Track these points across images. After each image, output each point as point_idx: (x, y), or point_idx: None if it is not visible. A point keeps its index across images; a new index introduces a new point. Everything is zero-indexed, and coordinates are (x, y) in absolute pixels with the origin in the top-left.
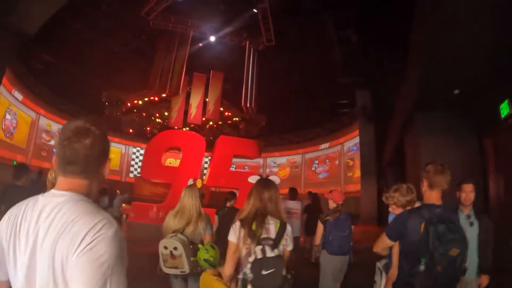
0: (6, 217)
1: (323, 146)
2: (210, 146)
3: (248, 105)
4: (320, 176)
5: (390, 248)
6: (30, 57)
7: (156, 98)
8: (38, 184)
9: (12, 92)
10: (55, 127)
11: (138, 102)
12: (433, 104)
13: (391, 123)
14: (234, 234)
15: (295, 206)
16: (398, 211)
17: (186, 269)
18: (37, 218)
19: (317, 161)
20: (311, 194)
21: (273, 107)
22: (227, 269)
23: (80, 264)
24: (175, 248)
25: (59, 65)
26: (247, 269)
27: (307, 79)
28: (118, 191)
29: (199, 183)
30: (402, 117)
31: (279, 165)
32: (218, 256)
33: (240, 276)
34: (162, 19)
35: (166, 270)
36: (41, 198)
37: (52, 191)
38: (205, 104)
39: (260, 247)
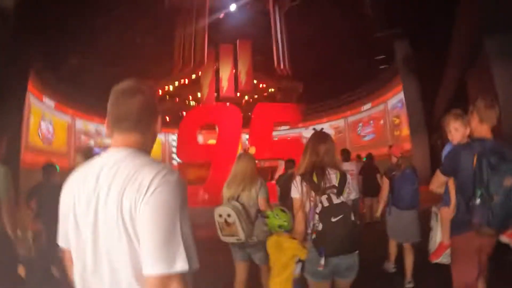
0: (66, 184)
1: (365, 107)
2: (249, 123)
3: (282, 66)
4: (365, 138)
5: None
6: (55, 62)
7: (187, 81)
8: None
9: (44, 100)
10: (92, 127)
11: (169, 88)
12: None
13: (444, 66)
14: (297, 190)
15: (350, 167)
16: (460, 133)
17: (242, 236)
18: (97, 177)
19: (361, 124)
20: (367, 156)
21: (309, 74)
22: (298, 226)
23: (149, 209)
24: (229, 215)
25: (85, 65)
26: (315, 220)
27: (340, 39)
28: None
29: (252, 150)
30: (462, 50)
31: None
32: (291, 219)
33: (309, 230)
34: None
35: (223, 238)
36: (99, 159)
37: (110, 149)
38: (236, 77)
39: (325, 196)
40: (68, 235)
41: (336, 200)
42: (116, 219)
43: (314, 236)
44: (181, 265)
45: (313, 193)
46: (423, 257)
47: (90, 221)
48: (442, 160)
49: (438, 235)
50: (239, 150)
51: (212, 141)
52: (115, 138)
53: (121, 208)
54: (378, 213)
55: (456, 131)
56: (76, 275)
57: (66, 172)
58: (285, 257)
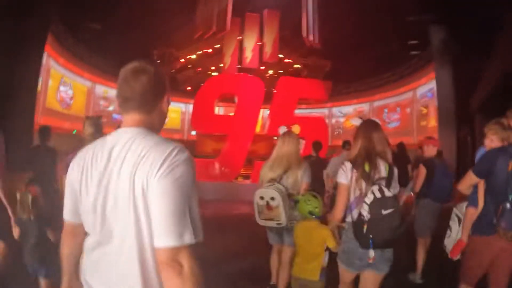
0: (75, 161)
1: (392, 92)
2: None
3: (311, 38)
4: (390, 125)
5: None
6: (76, 27)
7: (210, 50)
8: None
9: (63, 64)
10: (112, 93)
11: (191, 57)
12: None
13: (486, 56)
14: (345, 176)
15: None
16: (494, 144)
17: (283, 221)
18: (109, 156)
19: (386, 110)
20: (398, 145)
21: (337, 54)
22: (338, 212)
23: (162, 185)
24: (272, 198)
25: (106, 30)
26: (363, 210)
27: (373, 19)
28: None
29: (296, 129)
30: None
31: (345, 114)
32: (321, 205)
33: (349, 219)
34: None
35: (260, 222)
36: (109, 138)
37: (119, 129)
38: (261, 49)
39: (377, 186)
40: (76, 209)
41: (387, 193)
42: (127, 196)
43: (364, 227)
44: (188, 238)
45: (363, 182)
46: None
47: (101, 198)
48: (475, 161)
49: (455, 233)
50: (280, 129)
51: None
52: (124, 118)
53: (133, 186)
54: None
55: (492, 142)
56: (86, 247)
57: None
58: (314, 245)
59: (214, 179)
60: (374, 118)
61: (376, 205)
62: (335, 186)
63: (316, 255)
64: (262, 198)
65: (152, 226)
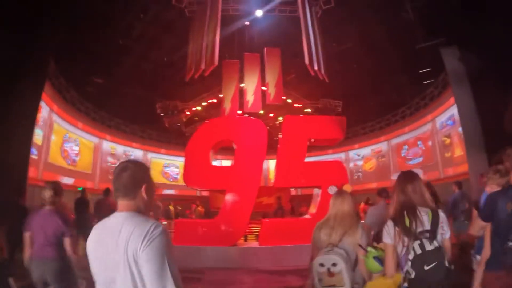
0: (90, 237)
1: (409, 127)
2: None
3: (315, 66)
4: (411, 162)
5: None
6: (80, 82)
7: (215, 100)
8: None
9: (68, 120)
10: (120, 149)
11: (197, 109)
12: None
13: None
14: (388, 235)
15: None
16: (494, 190)
17: (348, 286)
18: (110, 233)
19: (406, 146)
20: (426, 184)
21: (347, 94)
22: (390, 272)
23: (146, 253)
24: (334, 264)
25: (111, 86)
26: (408, 267)
27: (380, 52)
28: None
29: (348, 188)
30: None
31: (363, 157)
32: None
33: (402, 274)
34: (197, 4)
35: None
36: (110, 219)
37: (115, 213)
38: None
39: (417, 242)
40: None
41: (429, 247)
42: (123, 261)
43: (405, 284)
44: (170, 287)
45: (405, 238)
46: None
47: (105, 266)
48: (481, 205)
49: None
50: (330, 189)
51: None
52: (118, 203)
53: (127, 254)
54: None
55: (492, 189)
56: None
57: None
58: None
59: (211, 243)
60: (413, 170)
61: (417, 261)
62: (374, 238)
63: None
64: (322, 265)
65: (143, 283)
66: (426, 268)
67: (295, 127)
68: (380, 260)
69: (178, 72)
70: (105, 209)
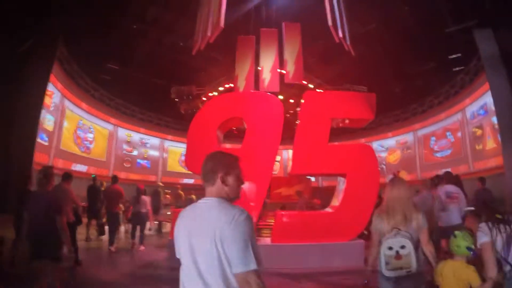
0: (178, 218)
1: (438, 117)
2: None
3: (340, 33)
4: (439, 154)
5: None
6: (96, 69)
7: (232, 85)
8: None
9: (83, 107)
10: (136, 136)
11: (213, 94)
12: None
13: None
14: (488, 235)
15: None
16: None
17: (414, 267)
18: (198, 216)
19: (433, 137)
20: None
21: (371, 80)
22: (493, 271)
23: (232, 235)
24: (403, 247)
25: (126, 72)
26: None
27: (407, 37)
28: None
29: (403, 174)
30: None
31: (387, 148)
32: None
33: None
34: None
35: (387, 273)
36: (197, 204)
37: (204, 198)
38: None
39: None
40: (179, 250)
41: None
42: (210, 241)
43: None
44: (253, 265)
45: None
46: None
47: (193, 246)
48: None
49: None
50: (387, 177)
51: None
52: (206, 190)
53: (214, 234)
54: None
55: None
56: (182, 278)
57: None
58: (460, 285)
59: None
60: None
61: None
62: None
63: None
64: (391, 248)
65: (229, 261)
66: None
67: (316, 104)
68: (472, 249)
69: (194, 57)
70: (112, 196)
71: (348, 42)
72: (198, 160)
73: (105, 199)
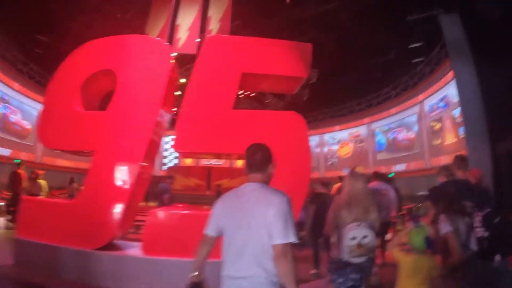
0: (223, 199)
1: (394, 110)
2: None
3: None
4: (393, 149)
5: None
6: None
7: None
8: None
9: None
10: None
11: None
12: None
13: None
14: (451, 225)
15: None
16: None
17: (373, 254)
18: (245, 198)
19: (389, 131)
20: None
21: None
22: (457, 257)
23: (277, 212)
24: (365, 237)
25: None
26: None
27: (365, 24)
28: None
29: (359, 169)
30: None
31: (339, 141)
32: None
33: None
34: None
35: (351, 259)
36: (245, 187)
37: (249, 183)
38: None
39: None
40: (219, 227)
41: None
42: (258, 220)
43: None
44: (292, 238)
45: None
46: None
47: (243, 222)
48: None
49: None
50: (344, 170)
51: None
52: (250, 176)
53: (258, 215)
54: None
55: None
56: (225, 251)
57: None
58: (419, 276)
59: (66, 242)
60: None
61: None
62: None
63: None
64: (353, 238)
65: (271, 234)
66: None
67: (222, 52)
68: (429, 241)
69: (135, 31)
70: (16, 180)
71: None
72: (54, 130)
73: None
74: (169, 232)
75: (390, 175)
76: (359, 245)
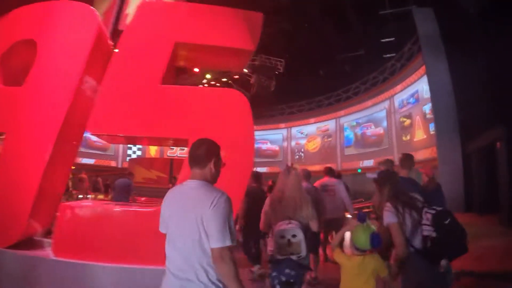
0: (165, 199)
1: (363, 105)
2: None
3: None
4: (361, 144)
5: None
6: None
7: None
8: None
9: None
10: None
11: None
12: None
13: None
14: (396, 216)
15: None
16: None
17: (303, 253)
18: (182, 197)
19: (357, 126)
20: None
21: (295, 61)
22: (402, 249)
23: (212, 214)
24: (294, 236)
25: None
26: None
27: (335, 16)
28: None
29: (297, 165)
30: None
31: (307, 135)
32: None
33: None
34: None
35: (280, 257)
36: (185, 184)
37: (189, 180)
38: None
39: None
40: (165, 226)
41: None
42: (193, 220)
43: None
44: (229, 242)
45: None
46: None
47: (179, 220)
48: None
49: None
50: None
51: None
52: (192, 172)
53: (195, 214)
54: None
55: None
56: (167, 248)
57: None
58: (364, 278)
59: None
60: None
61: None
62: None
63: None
64: (283, 237)
65: (208, 236)
66: None
67: (155, 19)
68: (378, 239)
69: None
70: None
71: None
72: None
73: None
74: (82, 231)
75: (358, 171)
76: (289, 244)
